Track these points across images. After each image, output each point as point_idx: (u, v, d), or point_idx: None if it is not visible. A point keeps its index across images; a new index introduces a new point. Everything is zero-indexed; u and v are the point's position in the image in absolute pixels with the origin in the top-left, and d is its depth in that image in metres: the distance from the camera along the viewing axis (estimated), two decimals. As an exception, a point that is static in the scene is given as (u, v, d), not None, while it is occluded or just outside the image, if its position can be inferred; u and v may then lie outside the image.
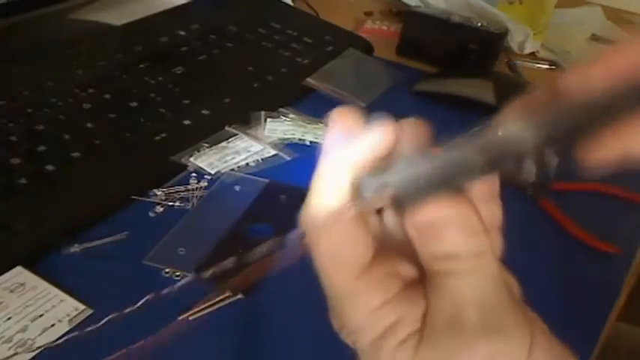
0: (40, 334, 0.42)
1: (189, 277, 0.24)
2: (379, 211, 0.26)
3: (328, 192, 0.24)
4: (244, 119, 0.66)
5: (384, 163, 0.24)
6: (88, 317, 0.44)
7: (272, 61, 0.78)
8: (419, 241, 0.24)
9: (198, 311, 0.44)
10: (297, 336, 0.45)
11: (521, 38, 0.92)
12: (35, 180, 0.54)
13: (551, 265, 0.55)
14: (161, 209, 0.54)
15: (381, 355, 0.24)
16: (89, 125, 0.61)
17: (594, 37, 1.01)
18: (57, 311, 0.44)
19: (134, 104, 0.66)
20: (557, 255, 0.56)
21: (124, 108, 0.65)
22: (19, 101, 0.64)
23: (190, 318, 0.44)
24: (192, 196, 0.56)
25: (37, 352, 0.41)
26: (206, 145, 0.61)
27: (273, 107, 0.68)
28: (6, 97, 0.64)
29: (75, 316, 0.43)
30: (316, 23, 0.92)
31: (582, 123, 0.23)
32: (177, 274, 0.48)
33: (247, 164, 0.60)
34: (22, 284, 0.45)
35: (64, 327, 0.43)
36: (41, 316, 0.43)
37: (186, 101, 0.67)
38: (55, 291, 0.45)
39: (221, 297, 0.46)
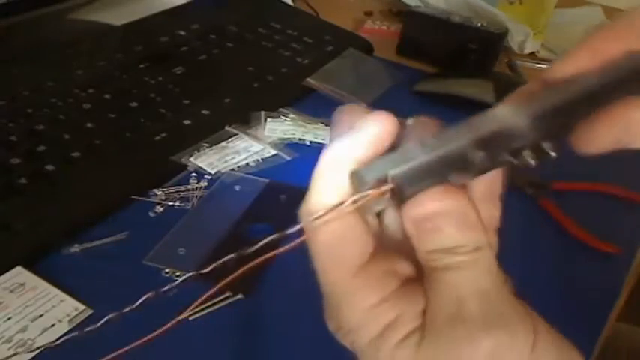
0: (40, 334, 0.42)
1: (189, 276, 0.24)
2: (378, 214, 0.26)
3: (327, 188, 0.24)
4: (244, 119, 0.66)
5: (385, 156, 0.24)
6: (88, 317, 0.44)
7: (272, 61, 0.78)
8: (417, 236, 0.24)
9: (198, 311, 0.44)
10: (297, 336, 0.45)
11: (521, 38, 0.92)
12: (35, 180, 0.54)
13: (551, 265, 0.55)
14: (161, 209, 0.54)
15: (381, 355, 0.24)
16: (89, 125, 0.61)
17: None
18: (57, 311, 0.44)
19: (134, 104, 0.66)
20: (557, 255, 0.56)
21: (124, 108, 0.65)
22: (19, 101, 0.64)
23: (190, 318, 0.44)
24: (192, 196, 0.56)
25: (37, 352, 0.40)
26: (206, 145, 0.61)
27: (273, 107, 0.68)
28: (6, 97, 0.64)
29: (75, 316, 0.43)
30: (316, 23, 0.92)
31: (571, 108, 0.23)
32: (177, 274, 0.48)
33: (247, 164, 0.60)
34: (22, 284, 0.45)
35: (64, 327, 0.43)
36: (41, 316, 0.43)
37: (186, 101, 0.67)
38: (55, 291, 0.45)
39: (221, 297, 0.46)
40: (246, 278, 0.24)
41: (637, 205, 0.62)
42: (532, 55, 0.94)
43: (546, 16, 0.95)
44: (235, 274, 0.23)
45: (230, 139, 0.63)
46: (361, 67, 0.81)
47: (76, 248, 0.49)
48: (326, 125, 0.66)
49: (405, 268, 0.25)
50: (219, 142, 0.62)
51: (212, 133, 0.63)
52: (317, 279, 0.25)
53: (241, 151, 0.61)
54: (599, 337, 0.49)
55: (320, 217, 0.23)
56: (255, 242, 0.23)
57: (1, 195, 0.52)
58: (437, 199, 0.23)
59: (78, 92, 0.66)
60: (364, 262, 0.24)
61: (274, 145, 0.63)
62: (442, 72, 0.83)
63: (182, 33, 0.81)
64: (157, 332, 0.24)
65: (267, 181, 0.59)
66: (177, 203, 0.55)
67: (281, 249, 0.23)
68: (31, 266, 0.47)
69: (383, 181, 0.23)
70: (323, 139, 0.65)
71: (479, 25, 0.82)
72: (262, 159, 0.61)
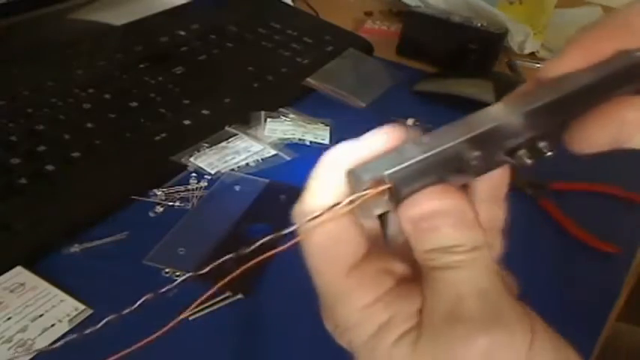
0: (40, 334, 0.42)
1: (188, 277, 0.24)
2: (381, 217, 0.25)
3: (322, 188, 0.24)
4: (244, 119, 0.66)
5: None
6: (87, 317, 0.44)
7: (272, 61, 0.78)
8: (414, 235, 0.24)
9: (198, 311, 0.44)
10: (297, 336, 0.45)
11: (521, 38, 0.92)
12: (35, 180, 0.54)
13: (551, 265, 0.55)
14: (161, 209, 0.54)
15: (377, 354, 0.24)
16: (89, 125, 0.61)
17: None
18: (57, 311, 0.44)
19: (134, 104, 0.66)
20: (557, 255, 0.56)
21: (124, 108, 0.65)
22: (19, 101, 0.64)
23: (190, 318, 0.44)
24: (192, 196, 0.56)
25: (34, 354, 0.41)
26: (206, 145, 0.61)
27: (273, 107, 0.68)
28: (6, 97, 0.64)
29: (75, 316, 0.43)
30: (316, 23, 0.92)
31: (564, 105, 0.24)
32: (177, 274, 0.48)
33: (247, 164, 0.60)
34: (22, 284, 0.45)
35: (64, 327, 0.43)
36: (41, 316, 0.43)
37: (186, 101, 0.67)
38: (55, 291, 0.45)
39: (221, 297, 0.46)
40: (245, 278, 0.24)
41: (637, 205, 0.62)
42: (532, 55, 0.93)
43: (546, 16, 0.95)
44: (235, 274, 0.23)
45: (230, 139, 0.63)
46: (361, 67, 0.81)
47: (76, 248, 0.49)
48: (326, 125, 0.66)
49: (400, 268, 0.25)
50: (219, 142, 0.62)
51: (212, 133, 0.63)
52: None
53: (241, 151, 0.61)
54: (599, 337, 0.49)
55: (315, 217, 0.23)
56: (253, 242, 0.23)
57: (1, 195, 0.52)
58: (434, 198, 0.23)
59: (78, 92, 0.66)
60: (357, 263, 0.24)
61: (274, 145, 0.63)
62: (442, 72, 0.83)
63: (182, 33, 0.81)
64: (157, 333, 0.24)
65: (267, 181, 0.59)
66: (177, 203, 0.55)
67: (279, 248, 0.23)
68: (31, 266, 0.47)
69: (380, 181, 0.23)
70: (323, 139, 0.65)
71: (479, 25, 0.82)
72: (262, 159, 0.61)
